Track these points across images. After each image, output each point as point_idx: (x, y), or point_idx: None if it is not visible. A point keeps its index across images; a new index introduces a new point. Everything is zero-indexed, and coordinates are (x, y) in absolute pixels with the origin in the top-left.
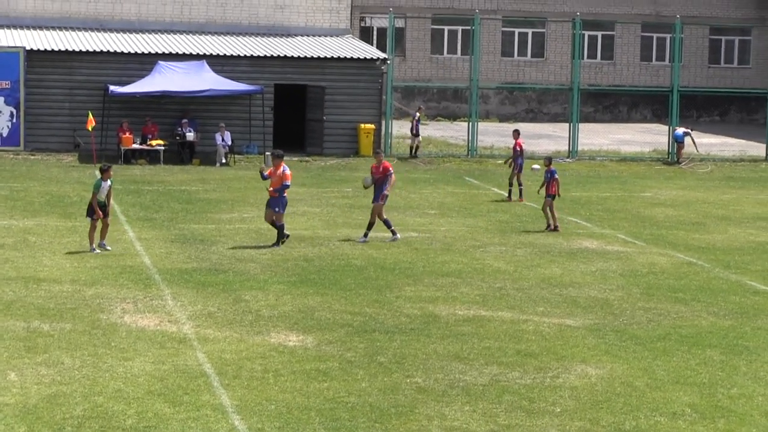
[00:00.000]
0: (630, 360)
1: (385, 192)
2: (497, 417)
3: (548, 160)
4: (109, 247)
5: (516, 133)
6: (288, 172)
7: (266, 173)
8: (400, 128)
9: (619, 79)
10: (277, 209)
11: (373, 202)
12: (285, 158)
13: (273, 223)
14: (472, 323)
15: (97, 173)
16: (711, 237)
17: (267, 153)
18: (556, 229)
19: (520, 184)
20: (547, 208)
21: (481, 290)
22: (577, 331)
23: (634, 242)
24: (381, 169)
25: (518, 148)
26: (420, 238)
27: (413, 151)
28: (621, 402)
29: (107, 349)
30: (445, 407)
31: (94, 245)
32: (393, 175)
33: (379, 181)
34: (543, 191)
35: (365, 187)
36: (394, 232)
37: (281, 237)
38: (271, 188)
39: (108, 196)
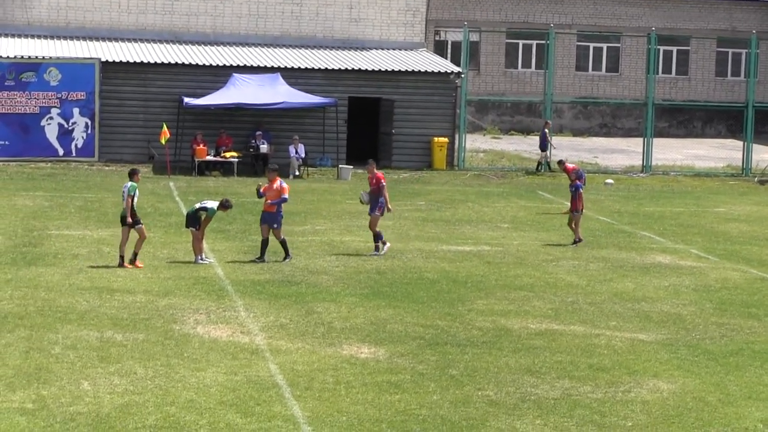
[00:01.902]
0: (702, 375)
1: (381, 204)
2: (568, 431)
3: (575, 174)
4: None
5: (562, 165)
6: (285, 185)
7: (262, 190)
8: (473, 142)
9: (693, 94)
10: (275, 225)
11: (369, 213)
12: (358, 171)
13: (265, 241)
14: (544, 337)
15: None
16: None
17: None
18: (579, 241)
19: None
20: (573, 223)
21: (553, 304)
22: (649, 346)
23: (707, 257)
24: (374, 180)
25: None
26: (492, 251)
27: (540, 167)
28: (693, 417)
29: (180, 360)
30: (516, 420)
31: (201, 255)
32: (384, 186)
33: (374, 193)
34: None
35: (363, 203)
36: (377, 248)
37: (287, 251)
38: (269, 201)
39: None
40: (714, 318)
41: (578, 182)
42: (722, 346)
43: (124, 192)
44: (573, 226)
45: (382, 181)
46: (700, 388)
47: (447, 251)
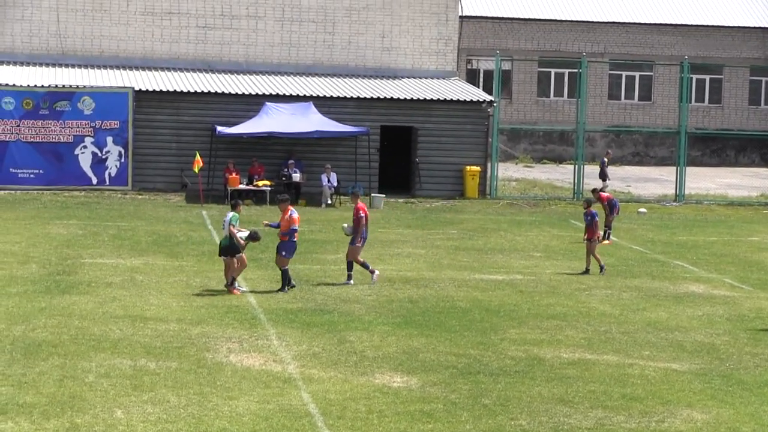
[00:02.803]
0: (736, 405)
1: (364, 236)
2: None
3: (587, 203)
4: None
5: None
6: (295, 216)
7: (275, 223)
8: (506, 171)
9: (726, 123)
10: (283, 253)
11: (350, 244)
12: (390, 200)
13: (281, 269)
14: (577, 366)
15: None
16: None
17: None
18: (587, 271)
19: (610, 227)
20: (590, 252)
21: (586, 333)
22: (683, 376)
23: (741, 287)
24: (354, 211)
25: (605, 202)
26: (525, 280)
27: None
28: None
29: (212, 388)
30: None
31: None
32: (362, 218)
33: (355, 224)
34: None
35: (346, 235)
36: (350, 277)
37: (285, 282)
38: (280, 232)
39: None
40: (748, 348)
41: (593, 211)
42: (757, 376)
43: (225, 222)
44: (594, 254)
45: (360, 212)
46: (735, 418)
47: (479, 280)
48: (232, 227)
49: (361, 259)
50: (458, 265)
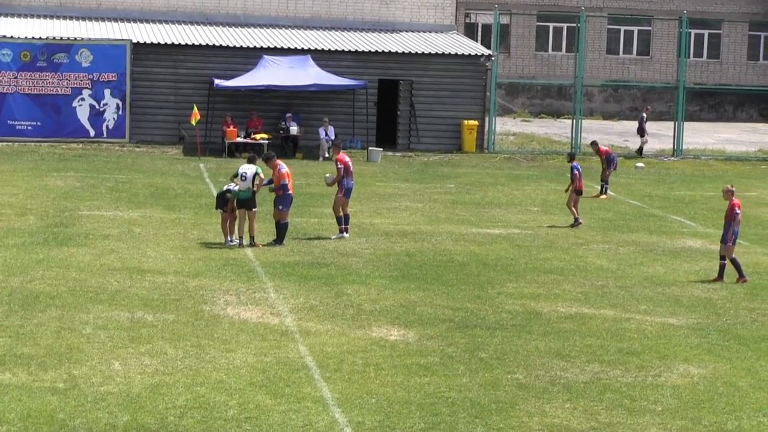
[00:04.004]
0: (733, 360)
1: (344, 186)
2: (598, 415)
3: (570, 157)
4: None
5: (595, 146)
6: (284, 170)
7: (268, 179)
8: (503, 125)
9: (725, 78)
10: (280, 207)
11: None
12: (387, 153)
13: (277, 222)
14: (574, 321)
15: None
16: None
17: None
18: (577, 222)
19: (606, 182)
20: (574, 204)
21: (583, 288)
22: (679, 330)
23: (738, 242)
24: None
25: (604, 156)
26: (522, 234)
27: (639, 151)
28: (723, 402)
29: (210, 341)
30: (545, 404)
31: (231, 237)
32: (341, 169)
33: (337, 174)
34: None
35: (328, 185)
36: (342, 230)
37: (282, 236)
38: (272, 188)
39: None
40: (745, 303)
41: (575, 163)
42: (753, 331)
43: (246, 175)
44: (572, 206)
45: (339, 163)
46: (731, 372)
47: (476, 234)
48: (260, 179)
49: (341, 213)
50: (455, 219)
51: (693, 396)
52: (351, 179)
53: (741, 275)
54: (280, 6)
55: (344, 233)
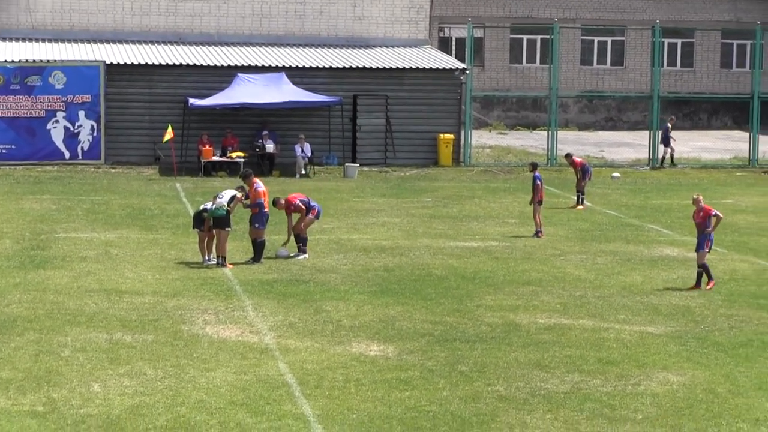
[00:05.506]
0: (712, 367)
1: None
2: (579, 425)
3: (532, 167)
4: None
5: (569, 158)
6: (261, 189)
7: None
8: (479, 138)
9: (699, 87)
10: (256, 225)
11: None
12: (364, 169)
13: (254, 240)
14: (553, 331)
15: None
16: None
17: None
18: (538, 233)
19: (582, 192)
20: (537, 214)
21: (561, 298)
22: (658, 339)
23: (715, 249)
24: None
25: (579, 167)
26: (500, 247)
27: (662, 162)
28: (703, 409)
29: (189, 360)
30: (526, 415)
31: (208, 256)
32: (303, 210)
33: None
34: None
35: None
36: (302, 251)
37: (259, 253)
38: (250, 204)
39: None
40: (723, 310)
41: (536, 173)
42: (731, 338)
43: (225, 195)
44: (536, 217)
45: (293, 207)
46: (710, 379)
47: (454, 247)
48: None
49: (305, 234)
50: (433, 232)
51: (673, 404)
52: (313, 201)
53: (710, 278)
54: (253, 24)
55: (306, 254)
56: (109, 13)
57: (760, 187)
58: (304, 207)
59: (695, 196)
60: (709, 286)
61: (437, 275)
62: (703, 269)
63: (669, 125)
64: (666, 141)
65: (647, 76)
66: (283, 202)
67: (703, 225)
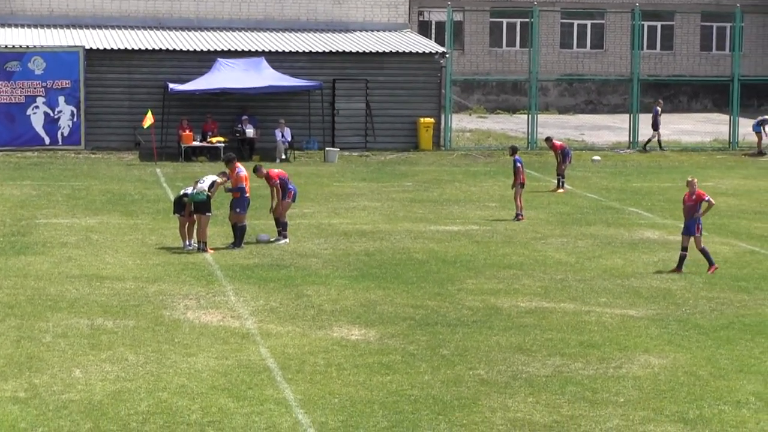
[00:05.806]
0: (693, 349)
1: (290, 190)
2: (560, 408)
3: (512, 150)
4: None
5: (549, 142)
6: (243, 174)
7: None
8: (459, 122)
9: (678, 69)
10: (237, 210)
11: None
12: (344, 153)
13: (234, 225)
14: (534, 315)
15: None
16: None
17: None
18: (518, 217)
19: (563, 176)
20: (518, 197)
21: (542, 282)
22: (639, 322)
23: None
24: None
25: (559, 150)
26: (481, 231)
27: (646, 145)
28: (684, 391)
29: (171, 346)
30: (508, 399)
31: (189, 241)
32: (276, 184)
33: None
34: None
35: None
36: (283, 236)
37: (240, 238)
38: (231, 189)
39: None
40: (704, 292)
41: (516, 157)
42: (712, 320)
43: (206, 180)
44: (517, 200)
45: (272, 180)
46: (692, 362)
47: (435, 231)
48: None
49: (285, 219)
50: (414, 217)
51: (654, 386)
52: (291, 183)
53: (711, 264)
54: (233, 9)
55: (287, 238)
56: None
57: (740, 169)
58: (281, 187)
59: (690, 179)
60: (710, 271)
61: (418, 259)
62: (702, 254)
63: (659, 109)
64: (656, 125)
65: (627, 59)
66: (264, 171)
67: (693, 209)
